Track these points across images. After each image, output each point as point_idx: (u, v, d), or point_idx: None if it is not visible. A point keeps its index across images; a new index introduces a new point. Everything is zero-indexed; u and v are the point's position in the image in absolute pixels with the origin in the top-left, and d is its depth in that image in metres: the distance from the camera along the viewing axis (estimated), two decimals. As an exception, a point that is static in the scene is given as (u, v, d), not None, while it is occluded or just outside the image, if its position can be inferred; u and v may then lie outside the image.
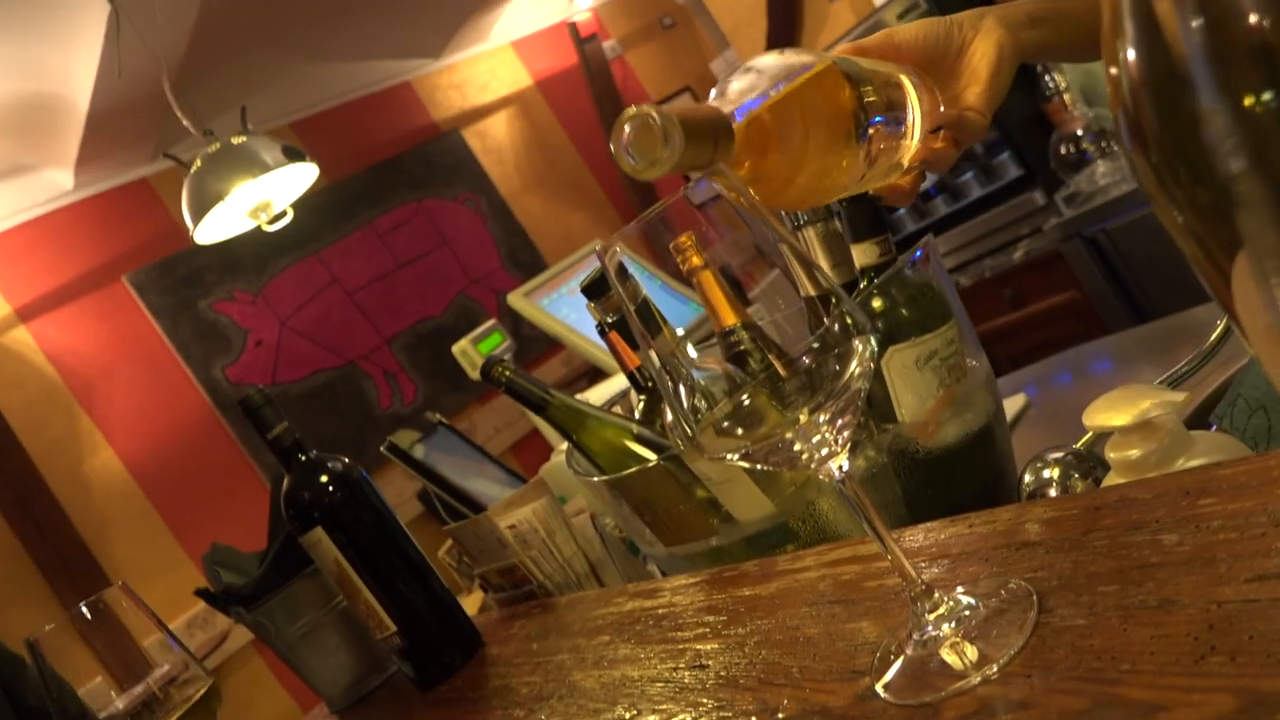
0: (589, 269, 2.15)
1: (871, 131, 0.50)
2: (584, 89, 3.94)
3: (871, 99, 0.50)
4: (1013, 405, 1.10)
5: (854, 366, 0.41)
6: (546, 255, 3.59)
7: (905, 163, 0.59)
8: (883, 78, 0.53)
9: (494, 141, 3.70)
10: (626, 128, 0.40)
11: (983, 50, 0.60)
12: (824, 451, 0.40)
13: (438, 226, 3.41)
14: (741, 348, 0.57)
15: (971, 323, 0.70)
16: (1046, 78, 2.51)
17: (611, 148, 0.41)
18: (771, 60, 0.49)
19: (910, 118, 0.55)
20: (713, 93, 0.50)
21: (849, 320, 0.44)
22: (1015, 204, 2.61)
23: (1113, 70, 0.21)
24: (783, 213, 0.80)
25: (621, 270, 0.49)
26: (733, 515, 0.69)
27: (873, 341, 0.42)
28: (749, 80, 0.48)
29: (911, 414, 0.66)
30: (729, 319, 0.59)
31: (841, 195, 0.55)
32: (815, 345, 0.43)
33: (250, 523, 2.60)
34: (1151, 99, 0.20)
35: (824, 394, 0.40)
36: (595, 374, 2.99)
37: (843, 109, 0.48)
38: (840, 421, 0.41)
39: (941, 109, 0.60)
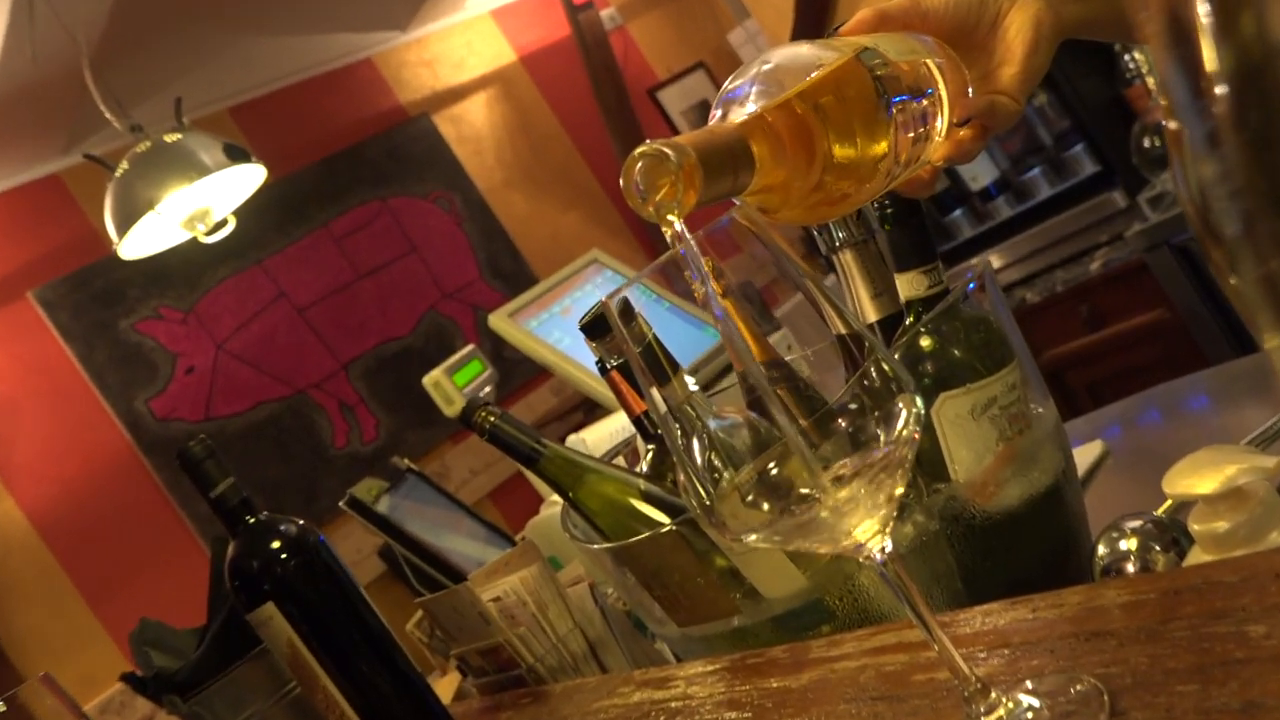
0: (586, 285, 2.18)
1: (899, 134, 0.53)
2: (578, 66, 3.99)
3: (899, 96, 0.53)
4: (1088, 454, 1.12)
5: (900, 429, 0.43)
6: (534, 264, 3.62)
7: (932, 158, 0.61)
8: (911, 67, 0.55)
9: (471, 128, 3.75)
10: (638, 168, 0.43)
11: (1019, 25, 0.62)
12: (863, 530, 0.43)
13: (404, 230, 3.45)
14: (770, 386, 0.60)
15: (1042, 348, 0.72)
16: (1126, 57, 2.54)
17: (622, 185, 0.44)
18: (785, 56, 0.52)
19: (938, 109, 0.58)
20: (718, 101, 0.52)
21: (888, 371, 0.47)
22: (1091, 206, 2.64)
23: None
24: (815, 233, 0.83)
25: (626, 310, 0.51)
26: (758, 590, 0.70)
27: (918, 402, 0.45)
28: (760, 82, 0.50)
29: (967, 472, 0.68)
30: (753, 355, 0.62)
31: (866, 202, 0.57)
32: (852, 406, 0.46)
33: (183, 592, 2.61)
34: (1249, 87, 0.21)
35: (863, 464, 0.43)
36: (592, 407, 3.01)
37: (867, 111, 0.51)
38: (883, 496, 0.43)
39: (970, 91, 0.63)
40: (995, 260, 2.82)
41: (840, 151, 0.49)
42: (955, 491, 0.68)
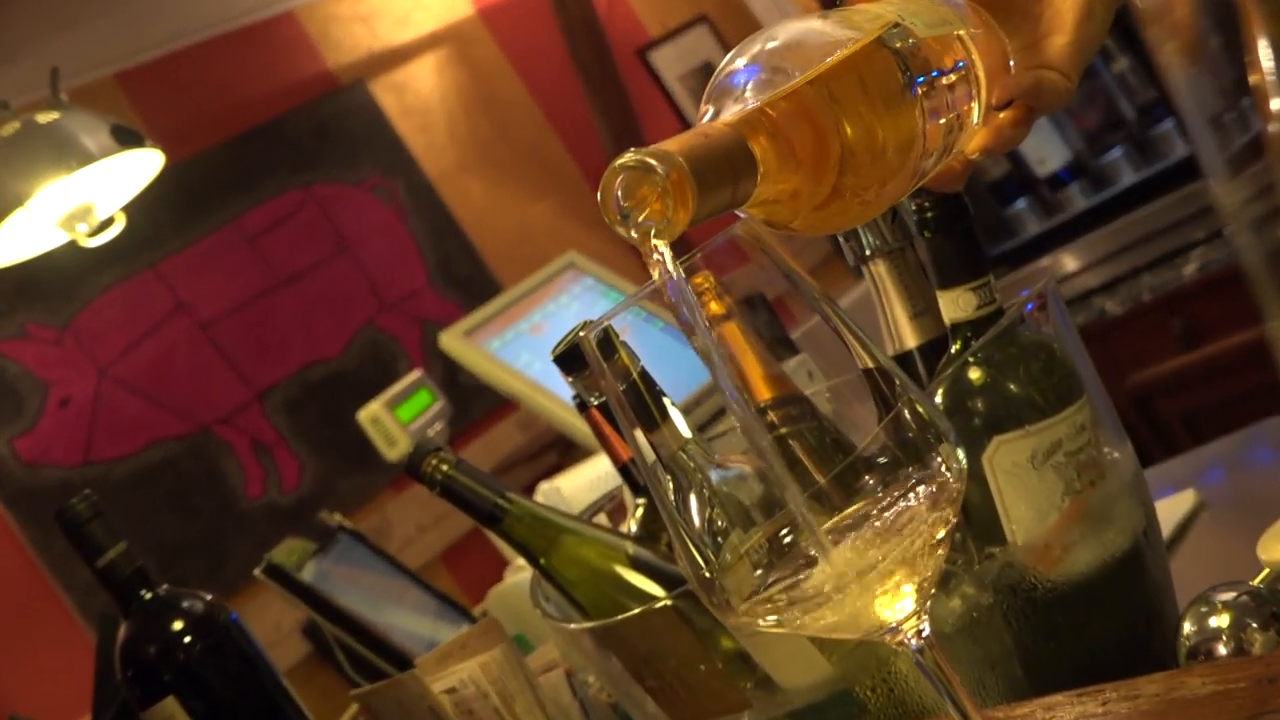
0: (561, 296, 2.20)
1: (928, 123, 0.54)
2: (550, 21, 4.02)
3: (927, 76, 0.55)
4: (1178, 507, 1.14)
5: (937, 492, 0.45)
6: (496, 268, 3.64)
7: (966, 148, 0.63)
8: (941, 42, 0.57)
9: (417, 98, 3.77)
10: (618, 183, 0.45)
11: None
12: (892, 611, 0.44)
13: (334, 225, 3.47)
14: (780, 433, 0.61)
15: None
16: (1227, 11, 2.58)
17: (600, 204, 0.45)
18: (792, 35, 0.53)
19: (973, 91, 0.60)
20: (710, 92, 0.54)
21: (924, 416, 0.48)
22: (1184, 196, 2.67)
23: None
24: (841, 239, 0.85)
25: (606, 343, 0.53)
26: (773, 679, 0.72)
27: (959, 455, 0.46)
28: (761, 68, 0.52)
29: (1027, 533, 0.70)
30: (762, 392, 0.64)
31: (889, 207, 0.59)
32: (881, 459, 0.48)
33: (60, 683, 2.60)
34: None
35: (893, 530, 0.44)
36: (568, 447, 3.02)
37: (891, 101, 0.52)
38: (922, 574, 0.44)
39: (1011, 64, 0.64)
40: (1069, 262, 2.85)
41: (859, 150, 0.51)
42: (1012, 557, 0.70)
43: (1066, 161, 2.91)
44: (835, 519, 0.46)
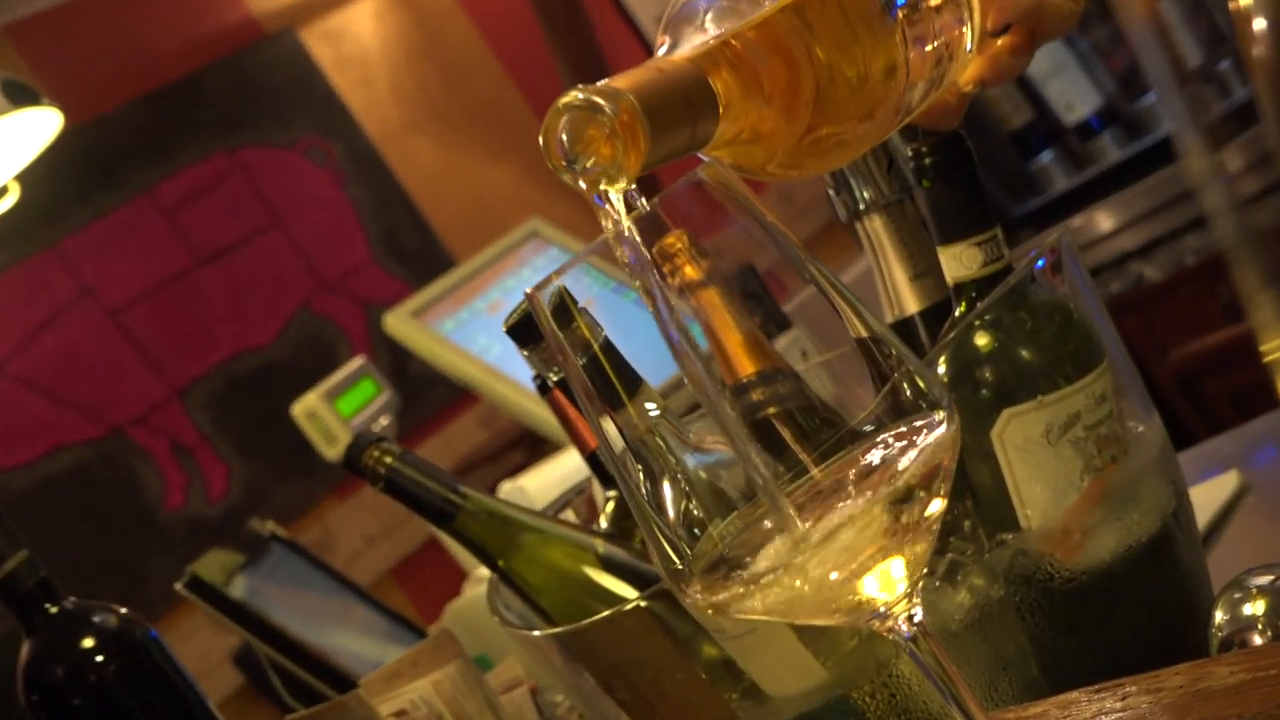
0: (524, 269, 2.20)
1: (911, 51, 0.56)
2: (507, -44, 4.01)
3: (913, 3, 0.56)
4: (1220, 490, 1.16)
5: (927, 461, 0.46)
6: (448, 239, 3.65)
7: (959, 80, 0.64)
8: None
9: (356, 48, 3.77)
10: (561, 124, 0.46)
11: None
12: (881, 591, 0.46)
13: (262, 194, 3.46)
14: (766, 413, 0.63)
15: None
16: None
17: (542, 148, 0.46)
18: None
19: (964, 14, 0.61)
20: (666, 23, 0.55)
21: (920, 387, 0.50)
22: (1233, 145, 2.69)
23: None
24: (832, 192, 0.86)
25: (561, 307, 0.54)
26: (761, 688, 0.73)
27: (955, 423, 0.48)
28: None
29: (1042, 517, 0.71)
30: (745, 366, 0.65)
31: (876, 143, 0.60)
32: (869, 428, 0.49)
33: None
34: None
35: (882, 505, 0.46)
36: (536, 443, 3.03)
37: (868, 24, 0.54)
38: (909, 549, 0.46)
39: None
40: (1103, 221, 2.87)
41: (834, 83, 0.52)
42: (1026, 544, 0.71)
43: (1097, 107, 2.93)
44: (804, 483, 0.48)
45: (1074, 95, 2.92)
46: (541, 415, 1.95)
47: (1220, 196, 0.38)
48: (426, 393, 3.36)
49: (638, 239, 0.47)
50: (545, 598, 0.88)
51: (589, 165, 0.46)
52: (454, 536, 0.89)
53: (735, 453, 0.51)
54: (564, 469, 1.67)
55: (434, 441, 3.43)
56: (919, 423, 0.49)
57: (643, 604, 0.73)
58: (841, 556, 0.45)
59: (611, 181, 0.46)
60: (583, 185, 0.46)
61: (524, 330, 0.80)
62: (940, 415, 0.48)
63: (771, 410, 0.61)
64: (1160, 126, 2.83)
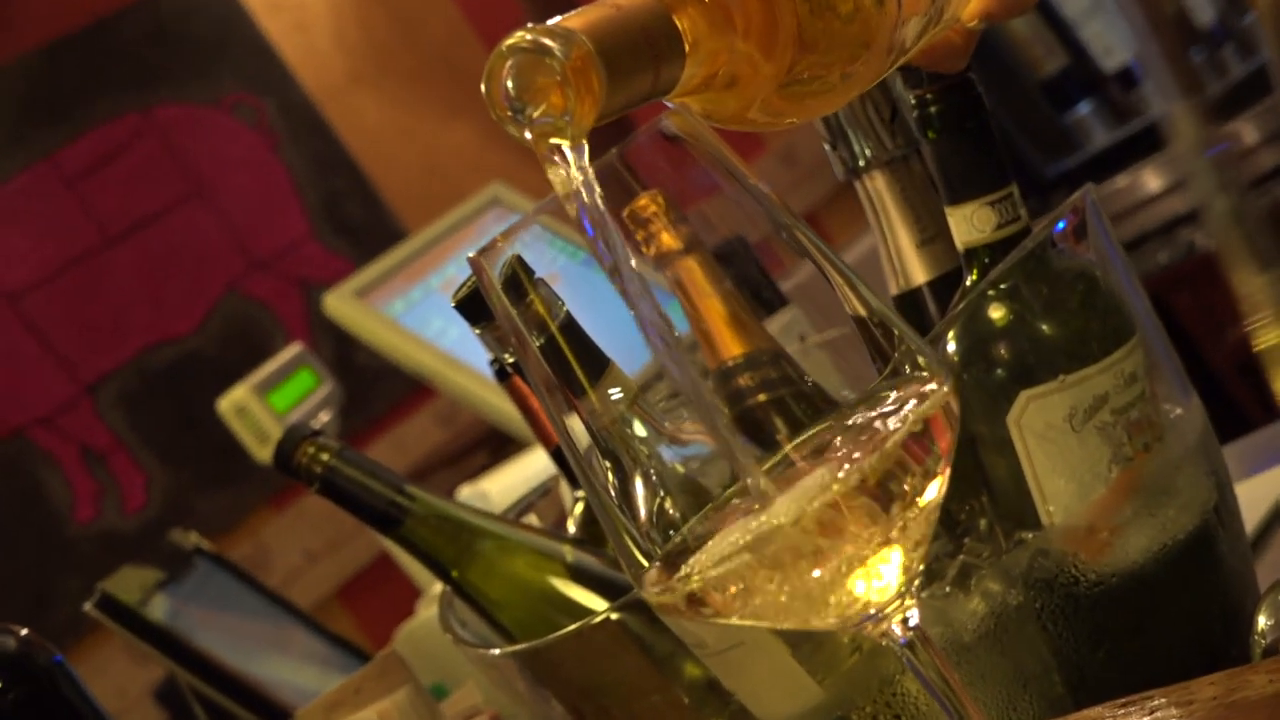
0: (483, 240, 2.20)
1: None
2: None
3: None
4: (1276, 485, 1.17)
5: (914, 425, 0.47)
6: (398, 208, 3.64)
7: (962, 14, 0.65)
8: None
9: (290, -9, 3.76)
10: (506, 69, 0.47)
11: None
12: (870, 587, 0.47)
13: (183, 160, 3.45)
14: (756, 400, 0.63)
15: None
16: None
17: (485, 98, 0.47)
18: None
19: None
20: None
21: (920, 363, 0.51)
22: (1246, 116, 2.68)
23: None
24: (828, 146, 0.87)
25: (513, 279, 0.54)
26: (750, 711, 0.74)
27: (948, 385, 0.49)
28: None
29: (1066, 513, 0.72)
30: (731, 347, 0.65)
31: (865, 88, 0.61)
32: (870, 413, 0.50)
33: None
34: None
35: (871, 492, 0.47)
36: (502, 443, 3.03)
37: None
38: (906, 539, 0.47)
39: None
40: (1150, 181, 2.87)
41: (815, 16, 0.52)
42: (1048, 543, 0.72)
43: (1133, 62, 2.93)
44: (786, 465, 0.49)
45: (1112, 38, 2.93)
46: (507, 410, 1.95)
47: (1212, 174, 0.39)
48: (375, 386, 3.36)
49: (596, 190, 0.48)
50: (506, 612, 0.89)
51: (537, 115, 0.47)
52: (402, 545, 0.89)
53: (713, 438, 0.52)
54: (531, 469, 1.67)
55: (384, 443, 3.44)
56: (911, 390, 0.50)
57: (614, 616, 0.74)
58: (821, 541, 0.46)
59: (563, 134, 0.47)
60: (529, 137, 0.47)
61: (476, 304, 0.81)
62: (932, 377, 0.50)
63: (760, 398, 0.62)
64: (1215, 75, 2.84)
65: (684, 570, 0.49)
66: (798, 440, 0.51)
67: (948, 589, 0.71)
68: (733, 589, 0.48)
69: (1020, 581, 0.71)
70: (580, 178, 0.47)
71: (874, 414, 0.50)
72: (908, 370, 0.53)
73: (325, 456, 0.87)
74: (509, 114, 0.47)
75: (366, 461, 0.89)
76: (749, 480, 0.47)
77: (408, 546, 0.90)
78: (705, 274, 0.62)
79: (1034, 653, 0.72)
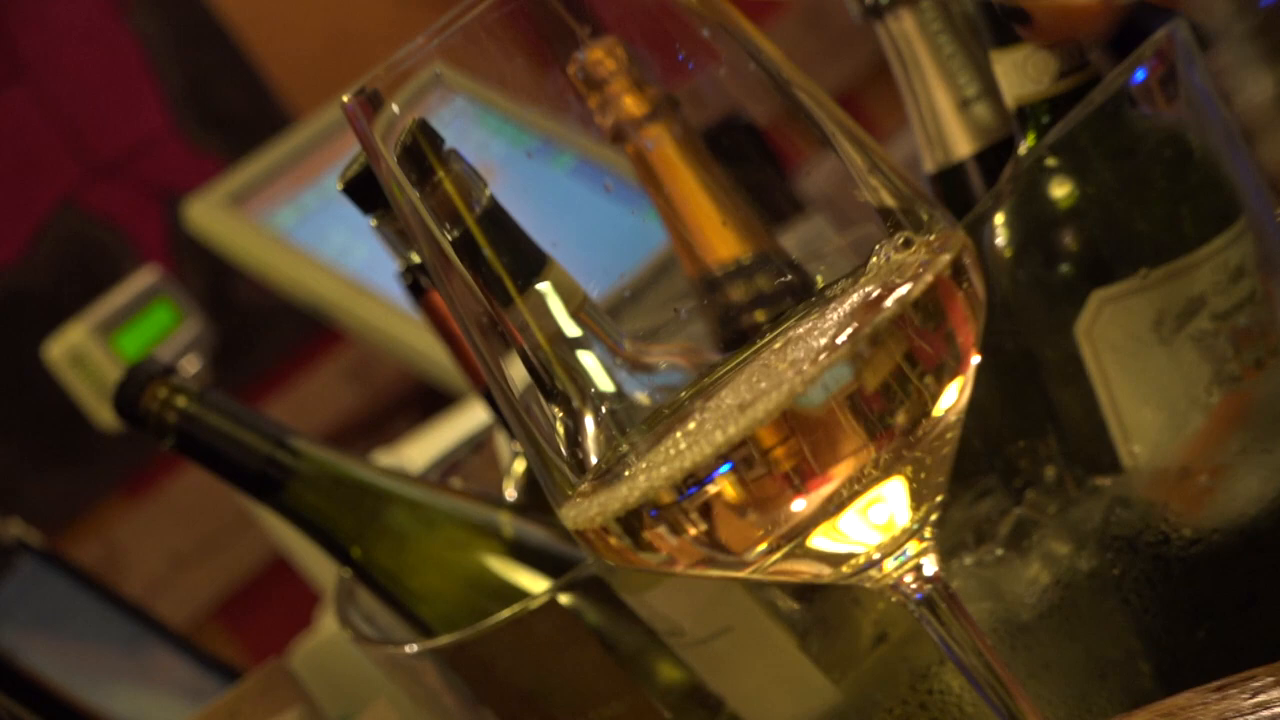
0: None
1: None
2: None
3: None
4: None
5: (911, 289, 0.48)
6: (289, 94, 3.64)
7: None
8: None
9: None
10: None
11: None
12: (875, 536, 0.47)
13: (2, 34, 3.45)
14: (747, 322, 0.63)
15: None
16: None
17: None
18: None
19: None
20: None
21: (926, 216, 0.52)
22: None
23: None
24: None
25: (415, 154, 0.54)
26: (742, 718, 0.75)
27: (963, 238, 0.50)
28: None
29: (1153, 451, 0.73)
30: (716, 249, 0.65)
31: None
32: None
33: None
34: None
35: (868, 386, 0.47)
36: (433, 402, 3.04)
37: None
38: (917, 468, 0.47)
39: None
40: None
41: None
42: (1129, 491, 0.72)
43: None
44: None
45: None
46: (440, 357, 1.94)
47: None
48: (264, 329, 3.37)
49: None
50: (425, 603, 0.89)
51: None
52: (284, 515, 0.89)
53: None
54: (465, 428, 1.68)
55: (277, 403, 3.43)
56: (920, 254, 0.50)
57: (561, 598, 0.74)
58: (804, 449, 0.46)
59: None
60: None
61: (364, 187, 0.80)
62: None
63: (756, 317, 0.62)
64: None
65: (622, 487, 0.49)
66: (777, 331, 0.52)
67: (999, 551, 0.72)
68: (688, 519, 0.49)
69: (1094, 541, 0.72)
70: None
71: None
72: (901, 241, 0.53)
73: (181, 401, 0.86)
74: None
75: (236, 407, 0.88)
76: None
77: (293, 518, 0.89)
78: (680, 147, 0.62)
79: (1112, 634, 0.72)
